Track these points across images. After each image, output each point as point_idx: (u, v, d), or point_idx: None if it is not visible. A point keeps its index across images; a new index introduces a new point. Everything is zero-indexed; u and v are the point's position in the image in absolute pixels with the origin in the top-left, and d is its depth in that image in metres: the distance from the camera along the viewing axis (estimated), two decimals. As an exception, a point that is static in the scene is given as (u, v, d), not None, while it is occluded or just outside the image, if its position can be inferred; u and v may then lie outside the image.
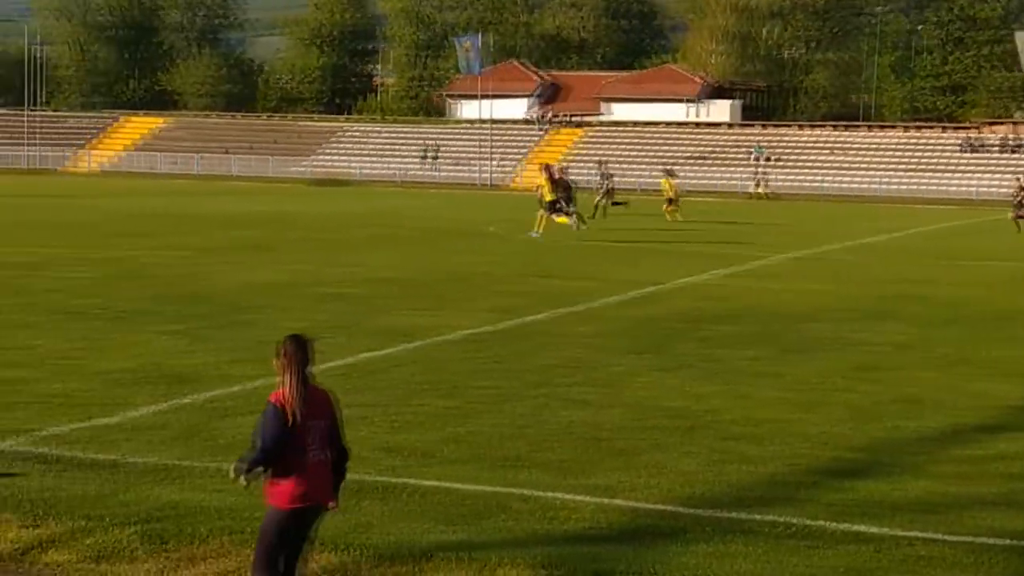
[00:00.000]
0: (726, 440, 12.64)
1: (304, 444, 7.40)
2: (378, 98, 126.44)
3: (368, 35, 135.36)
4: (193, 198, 54.48)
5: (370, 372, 15.83)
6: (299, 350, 7.44)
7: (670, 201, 51.48)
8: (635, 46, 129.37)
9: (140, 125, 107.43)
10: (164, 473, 10.95)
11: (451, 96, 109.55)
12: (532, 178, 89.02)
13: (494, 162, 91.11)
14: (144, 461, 11.29)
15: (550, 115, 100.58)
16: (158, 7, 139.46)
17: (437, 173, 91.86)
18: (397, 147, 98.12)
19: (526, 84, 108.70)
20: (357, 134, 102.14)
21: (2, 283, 23.74)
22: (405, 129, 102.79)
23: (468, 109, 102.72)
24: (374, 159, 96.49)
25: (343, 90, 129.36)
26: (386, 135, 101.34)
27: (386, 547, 9.17)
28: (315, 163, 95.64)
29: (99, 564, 8.92)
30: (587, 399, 14.49)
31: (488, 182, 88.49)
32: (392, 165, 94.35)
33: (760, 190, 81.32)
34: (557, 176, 40.17)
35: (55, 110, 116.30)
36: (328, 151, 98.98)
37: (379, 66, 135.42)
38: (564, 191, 39.21)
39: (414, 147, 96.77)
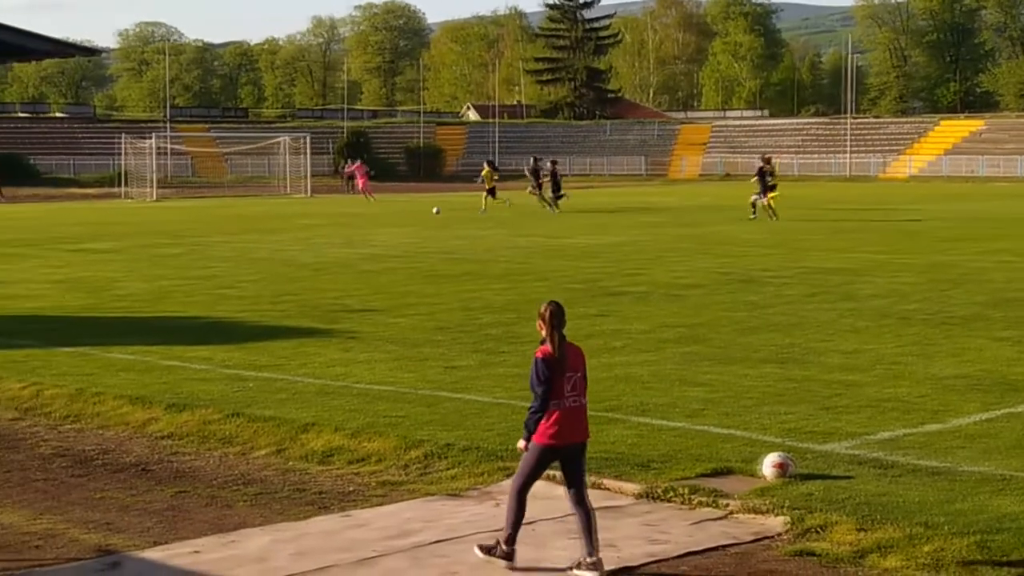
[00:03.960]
0: None
1: (562, 392, 8.66)
2: None
3: None
4: (1016, 201, 52.92)
5: None
6: (557, 313, 8.74)
7: None
8: None
9: (956, 128, 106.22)
10: (1001, 483, 10.61)
11: None
12: None
13: None
14: (978, 470, 11.02)
15: None
16: (978, 8, 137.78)
17: None
18: None
19: None
20: None
21: (830, 288, 24.22)
22: None
23: None
24: None
25: None
26: None
27: None
28: None
29: (938, 573, 8.78)
30: None
31: None
32: None
33: None
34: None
35: (875, 117, 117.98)
36: None
37: None
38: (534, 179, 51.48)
39: None
